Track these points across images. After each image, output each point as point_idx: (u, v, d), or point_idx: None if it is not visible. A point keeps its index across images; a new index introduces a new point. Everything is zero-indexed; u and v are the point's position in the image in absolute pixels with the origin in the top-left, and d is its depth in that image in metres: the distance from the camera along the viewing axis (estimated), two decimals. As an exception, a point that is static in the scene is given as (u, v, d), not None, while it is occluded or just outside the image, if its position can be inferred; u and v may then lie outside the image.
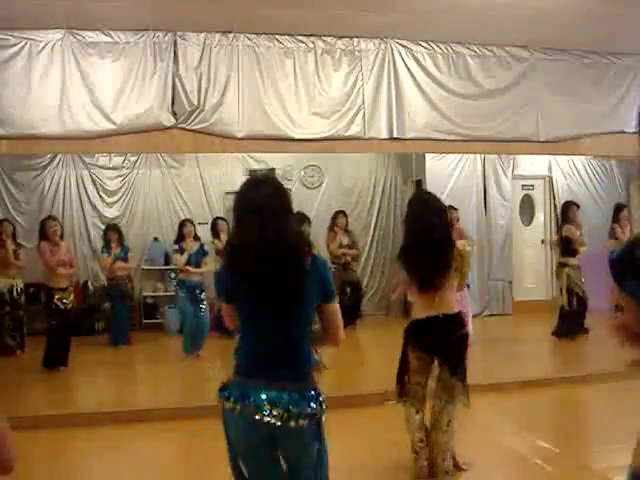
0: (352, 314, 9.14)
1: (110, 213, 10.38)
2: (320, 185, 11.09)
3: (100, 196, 10.36)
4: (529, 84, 8.01)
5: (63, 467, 4.70)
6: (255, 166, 10.81)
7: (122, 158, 10.34)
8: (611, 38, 7.72)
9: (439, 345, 4.04)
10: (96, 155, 10.03)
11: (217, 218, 9.57)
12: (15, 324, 8.08)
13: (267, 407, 2.40)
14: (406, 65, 7.67)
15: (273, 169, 10.91)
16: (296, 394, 2.43)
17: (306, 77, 7.40)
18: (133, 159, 10.41)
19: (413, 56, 7.70)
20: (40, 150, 8.25)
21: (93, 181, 10.33)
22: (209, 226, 9.56)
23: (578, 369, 7.24)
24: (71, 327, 7.40)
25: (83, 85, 6.84)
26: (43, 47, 6.78)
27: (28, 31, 6.72)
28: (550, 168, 11.18)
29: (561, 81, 8.10)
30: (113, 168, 10.38)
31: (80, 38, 6.88)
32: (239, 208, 2.61)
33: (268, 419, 2.39)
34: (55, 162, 10.14)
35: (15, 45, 6.72)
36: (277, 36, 7.33)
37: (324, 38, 7.46)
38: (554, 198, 11.23)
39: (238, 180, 10.79)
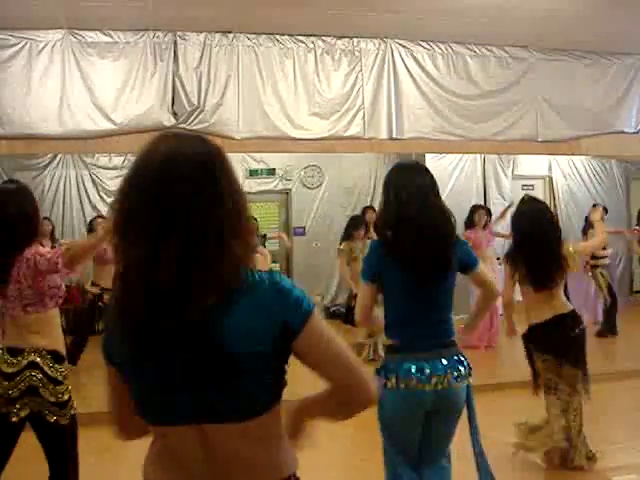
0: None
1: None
2: (320, 185, 11.09)
3: (100, 196, 10.36)
4: (529, 84, 8.01)
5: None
6: (255, 166, 10.82)
7: (122, 158, 10.33)
8: (611, 38, 7.71)
9: (561, 345, 4.11)
10: (96, 155, 10.03)
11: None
12: None
13: (427, 376, 2.65)
14: (406, 65, 7.66)
15: (273, 169, 10.92)
16: (450, 359, 2.70)
17: (306, 77, 7.39)
18: (133, 159, 10.40)
19: (413, 56, 7.70)
20: (40, 150, 8.25)
21: (93, 181, 10.33)
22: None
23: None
24: (88, 327, 7.43)
25: (83, 85, 6.84)
26: (43, 47, 6.77)
27: (28, 31, 6.72)
28: (550, 168, 11.19)
29: (561, 81, 8.10)
30: (113, 168, 10.38)
31: (80, 38, 6.87)
32: (399, 190, 2.77)
33: (430, 387, 2.65)
34: (55, 162, 10.14)
35: (15, 45, 6.71)
36: (277, 36, 7.33)
37: (324, 38, 7.45)
38: (554, 198, 11.24)
39: (238, 180, 10.83)
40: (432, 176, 2.86)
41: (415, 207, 2.70)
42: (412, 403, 2.68)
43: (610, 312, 8.53)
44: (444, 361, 2.68)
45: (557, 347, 4.11)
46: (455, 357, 2.72)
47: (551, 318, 4.10)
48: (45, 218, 8.61)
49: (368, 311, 2.79)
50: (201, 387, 1.32)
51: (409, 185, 2.76)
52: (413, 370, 2.65)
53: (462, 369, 2.72)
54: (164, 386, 1.34)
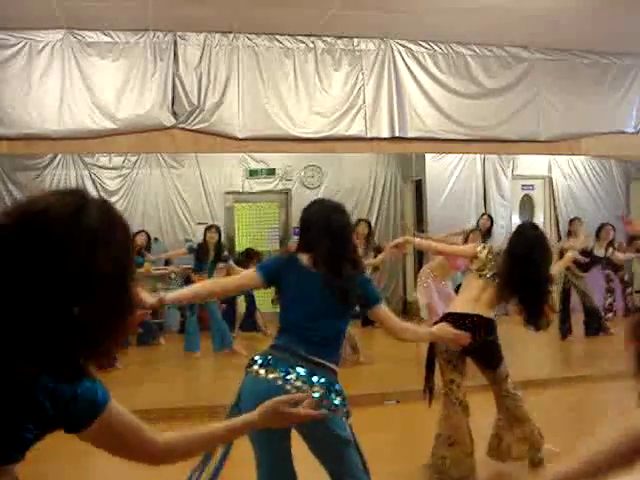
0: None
1: (110, 213, 10.39)
2: (320, 185, 11.10)
3: (100, 196, 10.35)
4: (529, 84, 8.01)
5: (58, 467, 4.71)
6: (255, 166, 10.83)
7: (122, 158, 10.34)
8: (611, 38, 7.71)
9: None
10: (96, 155, 10.03)
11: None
12: None
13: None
14: (407, 65, 7.66)
15: (273, 169, 10.93)
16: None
17: (306, 77, 7.39)
18: (133, 159, 10.42)
19: (413, 56, 7.70)
20: (40, 150, 8.26)
21: (93, 181, 10.34)
22: None
23: (579, 369, 7.26)
24: None
25: (83, 85, 6.84)
26: (43, 47, 6.77)
27: (28, 31, 6.72)
28: (550, 168, 11.19)
29: (561, 81, 8.10)
30: (113, 168, 10.39)
31: (80, 38, 6.88)
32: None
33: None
34: (55, 162, 10.15)
35: (15, 45, 6.71)
36: (277, 36, 7.32)
37: (324, 38, 7.45)
38: (554, 198, 11.25)
39: (238, 180, 10.85)
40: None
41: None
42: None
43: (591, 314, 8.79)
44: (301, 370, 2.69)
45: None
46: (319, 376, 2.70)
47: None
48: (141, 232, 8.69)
49: None
50: None
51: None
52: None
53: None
54: None
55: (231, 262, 8.40)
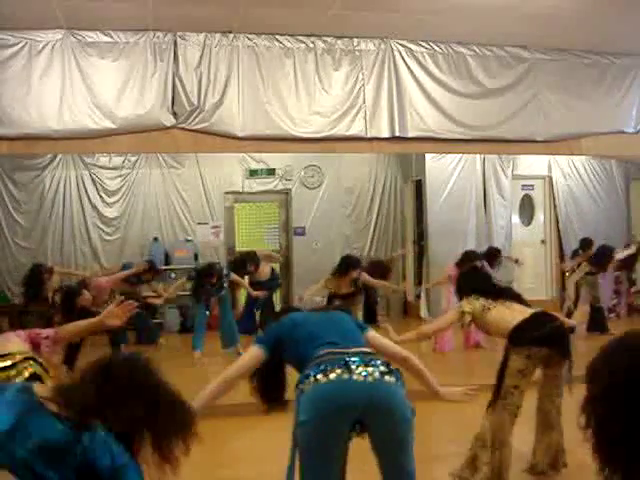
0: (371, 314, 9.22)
1: (110, 213, 10.40)
2: (320, 185, 11.10)
3: (100, 196, 10.37)
4: (529, 84, 8.00)
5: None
6: (255, 166, 10.83)
7: (122, 158, 10.35)
8: (611, 38, 7.71)
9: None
10: (96, 155, 10.04)
11: None
12: None
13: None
14: (407, 65, 7.66)
15: (273, 169, 10.94)
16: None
17: (306, 77, 7.39)
18: (133, 159, 10.42)
19: (414, 56, 7.69)
20: (40, 150, 8.25)
21: (93, 181, 10.34)
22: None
23: (578, 369, 7.25)
24: None
25: (83, 85, 6.84)
26: (43, 47, 6.77)
27: (28, 31, 6.71)
28: (550, 168, 11.19)
29: (561, 81, 8.09)
30: (113, 168, 10.39)
31: (80, 38, 6.87)
32: None
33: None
34: (55, 162, 10.15)
35: (15, 45, 6.70)
36: (277, 36, 7.32)
37: (324, 38, 7.45)
38: (554, 198, 11.25)
39: (238, 180, 10.85)
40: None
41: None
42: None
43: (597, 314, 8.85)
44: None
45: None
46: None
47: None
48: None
49: None
50: None
51: None
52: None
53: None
54: None
55: (232, 275, 8.44)
